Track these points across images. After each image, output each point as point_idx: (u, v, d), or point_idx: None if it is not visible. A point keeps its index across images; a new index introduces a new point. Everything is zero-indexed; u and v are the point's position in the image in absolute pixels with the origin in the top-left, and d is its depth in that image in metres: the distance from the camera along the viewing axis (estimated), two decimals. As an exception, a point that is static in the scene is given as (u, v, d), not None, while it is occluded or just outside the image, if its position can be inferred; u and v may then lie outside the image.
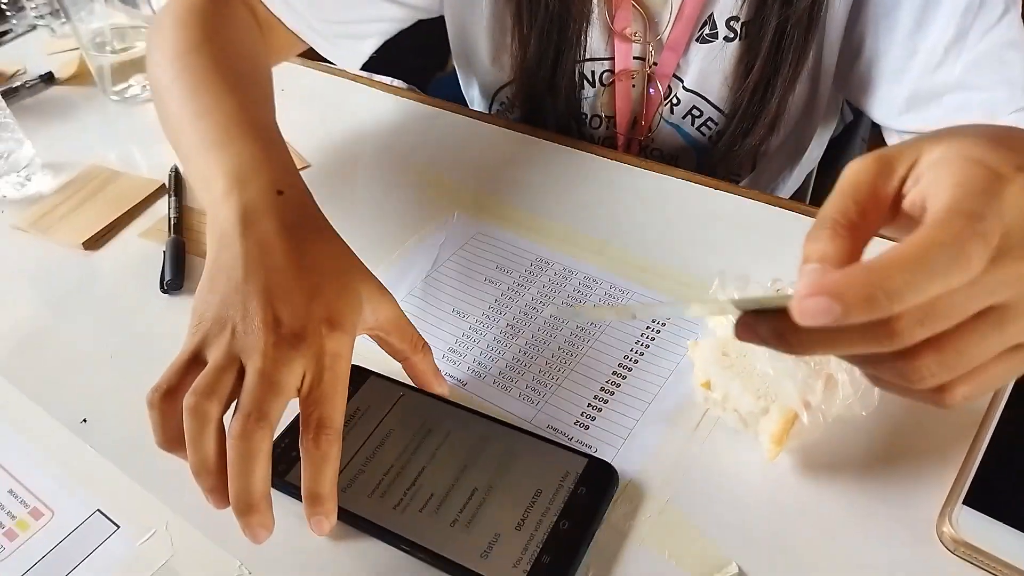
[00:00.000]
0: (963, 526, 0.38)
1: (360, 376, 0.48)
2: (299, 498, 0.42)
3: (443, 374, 0.50)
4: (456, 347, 0.52)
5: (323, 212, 0.47)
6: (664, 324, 0.52)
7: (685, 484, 0.43)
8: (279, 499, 0.43)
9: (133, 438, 0.47)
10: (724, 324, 0.46)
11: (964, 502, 0.39)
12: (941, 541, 0.39)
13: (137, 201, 0.65)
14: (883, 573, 0.38)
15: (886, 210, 0.32)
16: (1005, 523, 0.38)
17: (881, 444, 0.44)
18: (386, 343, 0.45)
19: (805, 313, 0.26)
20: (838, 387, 0.42)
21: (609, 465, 0.43)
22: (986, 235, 0.27)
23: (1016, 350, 0.30)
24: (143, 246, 0.62)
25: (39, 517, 0.44)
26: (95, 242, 0.62)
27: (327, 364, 0.39)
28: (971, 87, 0.58)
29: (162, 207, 0.66)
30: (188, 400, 0.38)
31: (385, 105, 0.76)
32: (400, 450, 0.44)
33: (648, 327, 0.52)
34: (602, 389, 0.48)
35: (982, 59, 0.57)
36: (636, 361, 0.50)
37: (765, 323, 0.30)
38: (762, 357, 0.41)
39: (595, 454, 0.44)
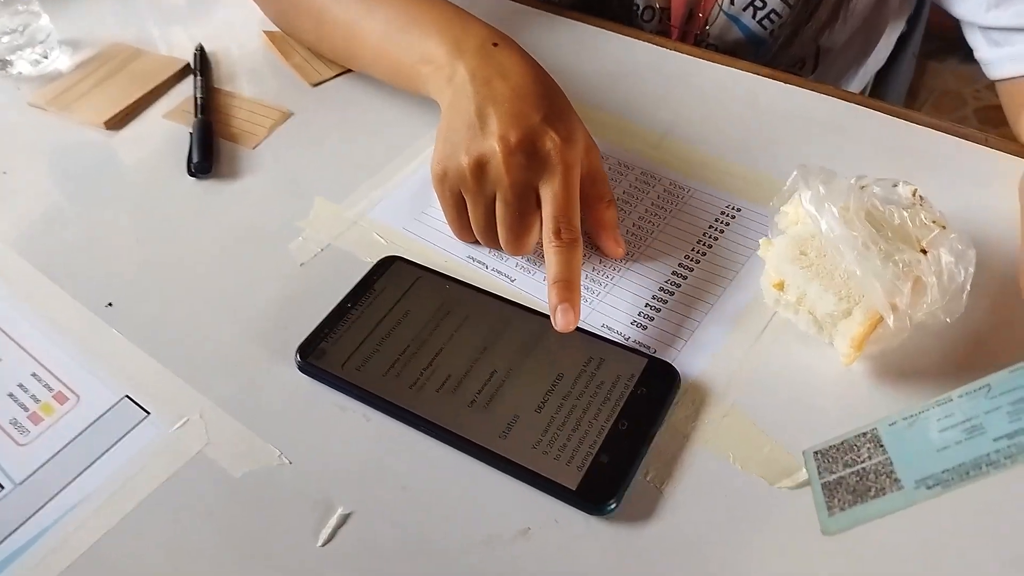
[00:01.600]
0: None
1: (386, 262, 0.46)
2: (337, 387, 0.40)
3: (488, 267, 0.47)
4: (503, 242, 0.48)
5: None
6: (729, 223, 0.48)
7: (751, 388, 0.40)
8: (316, 389, 0.41)
9: (164, 324, 0.45)
10: (803, 221, 0.42)
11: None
12: None
13: (160, 80, 0.61)
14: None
15: None
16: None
17: (963, 353, 0.41)
18: (580, 187, 0.45)
19: None
20: (926, 291, 0.38)
21: (670, 366, 0.40)
22: None
23: None
24: (168, 127, 0.59)
25: (64, 402, 0.41)
26: (118, 122, 0.59)
27: (561, 172, 0.43)
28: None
29: (186, 88, 0.62)
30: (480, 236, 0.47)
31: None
32: (417, 331, 0.42)
33: (714, 222, 0.48)
34: (661, 289, 0.45)
35: None
36: (698, 261, 0.46)
37: None
38: (849, 256, 0.38)
39: (654, 355, 0.41)
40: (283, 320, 0.45)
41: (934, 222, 0.40)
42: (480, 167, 0.44)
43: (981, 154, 0.52)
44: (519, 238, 0.45)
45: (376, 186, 0.53)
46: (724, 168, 0.52)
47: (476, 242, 0.48)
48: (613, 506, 0.35)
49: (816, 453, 0.31)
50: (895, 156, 0.52)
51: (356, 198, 0.52)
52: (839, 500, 0.29)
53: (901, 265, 0.38)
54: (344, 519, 0.36)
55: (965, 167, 0.51)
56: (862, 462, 0.29)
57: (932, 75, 1.80)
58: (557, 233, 0.42)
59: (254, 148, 0.56)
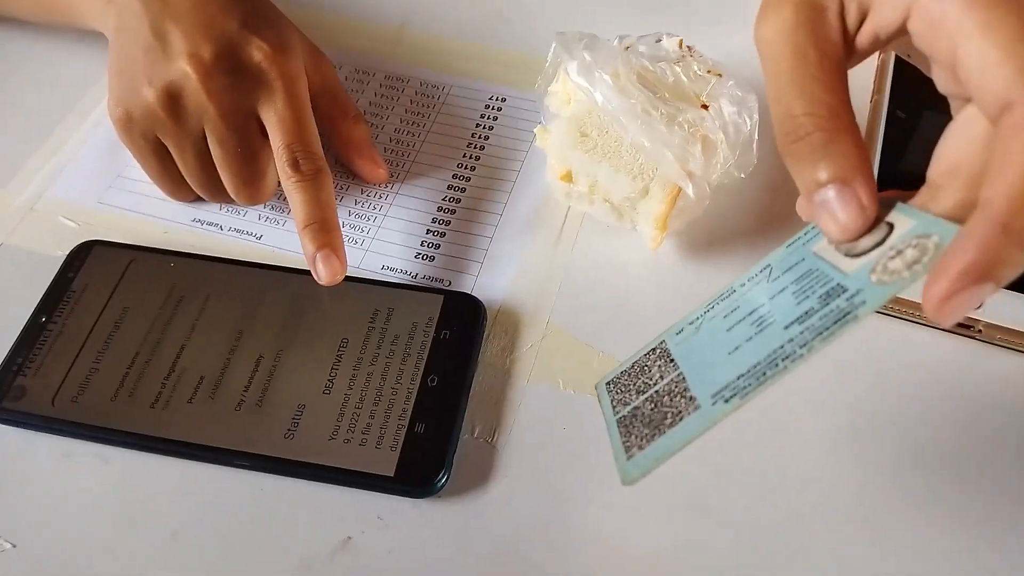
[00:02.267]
0: (874, 276, 0.34)
1: (81, 250, 0.36)
2: (52, 429, 0.30)
3: (224, 228, 0.37)
4: (237, 192, 0.39)
5: None
6: (496, 116, 0.42)
7: (562, 299, 0.35)
8: (25, 439, 0.31)
9: None
10: (576, 99, 0.36)
11: (870, 250, 0.35)
12: (851, 298, 0.35)
13: None
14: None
15: (844, 62, 0.24)
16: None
17: (765, 206, 0.38)
18: (315, 106, 0.36)
19: (956, 311, 0.20)
20: (717, 149, 0.35)
21: (471, 297, 0.34)
22: None
23: None
24: None
25: None
26: None
27: (282, 87, 0.34)
28: None
29: None
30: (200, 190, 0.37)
31: None
32: (145, 331, 0.33)
33: (480, 119, 0.42)
34: (440, 209, 0.38)
35: None
36: (473, 168, 0.40)
37: (984, 254, 0.20)
38: (632, 127, 0.33)
39: (450, 287, 0.35)
40: (-45, 361, 0.33)
41: (709, 72, 0.36)
42: (172, 98, 0.34)
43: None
44: (250, 181, 0.35)
45: (47, 158, 0.40)
46: (477, 54, 0.45)
47: (198, 199, 0.38)
48: (443, 480, 0.29)
49: (608, 384, 0.27)
50: (647, 9, 0.48)
51: (24, 179, 0.39)
52: (636, 437, 0.24)
53: (687, 127, 0.34)
54: (105, 601, 0.28)
55: (722, 6, 0.48)
56: (655, 384, 0.25)
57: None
58: (294, 165, 0.33)
59: None
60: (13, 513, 0.29)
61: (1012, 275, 0.20)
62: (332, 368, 0.32)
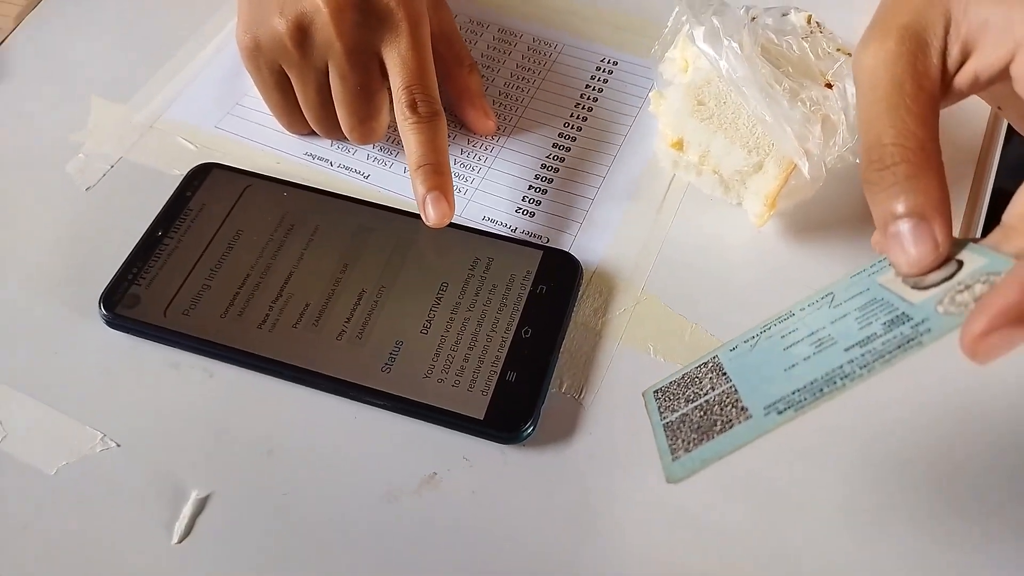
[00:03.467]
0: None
1: (200, 171, 0.37)
2: (162, 339, 0.32)
3: (334, 164, 0.38)
4: (346, 131, 0.40)
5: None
6: (607, 79, 0.42)
7: (660, 266, 0.35)
8: (136, 346, 0.32)
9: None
10: (696, 66, 0.36)
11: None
12: (960, 297, 0.34)
13: None
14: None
15: (939, 99, 0.24)
16: None
17: (874, 197, 0.37)
18: (432, 51, 0.36)
19: (991, 352, 0.19)
20: (837, 130, 0.34)
21: (568, 255, 0.34)
22: None
23: None
24: None
25: None
26: None
27: (407, 29, 0.34)
28: None
29: None
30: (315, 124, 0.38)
31: None
32: (256, 254, 0.34)
33: (590, 80, 0.42)
34: (543, 166, 0.38)
35: None
36: (579, 128, 0.40)
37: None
38: (756, 99, 0.33)
39: (548, 244, 0.35)
40: (75, 264, 0.35)
41: (838, 50, 0.36)
42: (301, 30, 0.34)
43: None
44: (365, 120, 0.36)
45: (170, 76, 0.41)
46: (592, 15, 0.45)
47: (312, 133, 0.39)
48: (529, 430, 0.30)
49: (656, 392, 0.27)
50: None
51: (146, 95, 0.41)
52: (683, 441, 0.24)
53: (809, 104, 0.34)
54: (201, 504, 0.29)
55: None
56: (705, 395, 0.25)
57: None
58: (412, 106, 0.34)
59: (-2, 45, 0.43)
60: (120, 416, 0.31)
61: None
62: (431, 309, 0.32)
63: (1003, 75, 0.24)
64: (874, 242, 0.24)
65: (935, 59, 0.24)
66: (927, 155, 0.23)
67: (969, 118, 0.39)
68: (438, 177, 0.33)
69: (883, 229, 0.23)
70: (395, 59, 0.34)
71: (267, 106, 0.38)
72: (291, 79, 0.36)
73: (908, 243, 0.23)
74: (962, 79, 0.25)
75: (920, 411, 0.31)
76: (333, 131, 0.38)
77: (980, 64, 0.24)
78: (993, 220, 0.33)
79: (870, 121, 0.24)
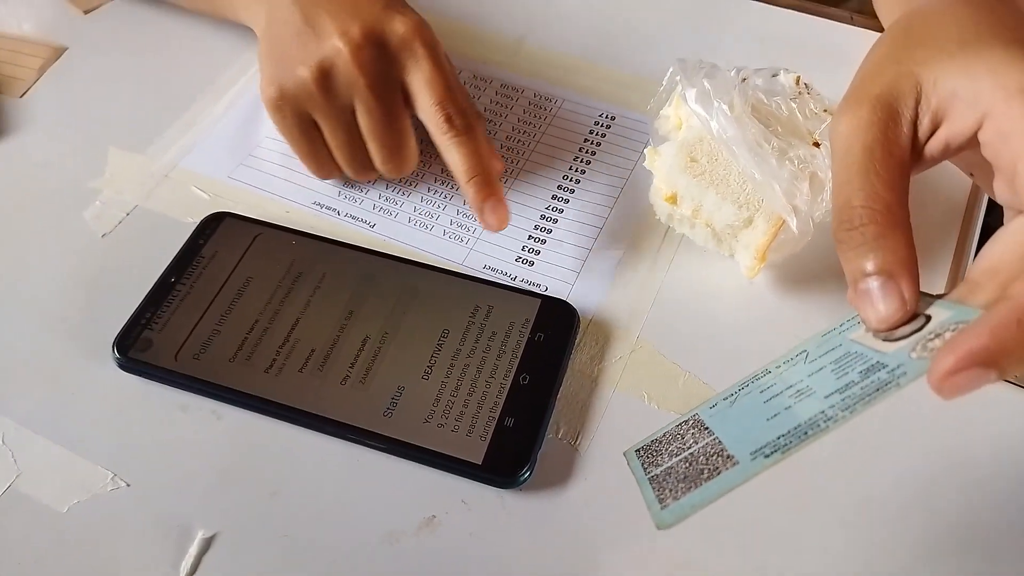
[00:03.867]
0: (970, 329, 0.34)
1: (212, 220, 0.38)
2: (173, 382, 0.33)
3: (341, 214, 0.40)
4: (355, 183, 0.41)
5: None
6: (605, 133, 0.43)
7: (654, 315, 0.36)
8: (147, 389, 0.33)
9: (-74, 334, 0.35)
10: (689, 125, 0.38)
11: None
12: (944, 348, 0.35)
13: None
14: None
15: (908, 165, 0.26)
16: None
17: (862, 250, 0.39)
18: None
19: (957, 389, 0.21)
20: (824, 187, 0.36)
21: (566, 303, 0.36)
22: None
23: None
24: (-103, 79, 0.46)
25: None
26: None
27: (426, 53, 0.37)
28: None
29: (-83, 27, 0.48)
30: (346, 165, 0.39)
31: None
32: (265, 300, 0.35)
33: (588, 135, 0.43)
34: (543, 217, 0.40)
35: None
36: (578, 180, 0.41)
37: (995, 341, 0.21)
38: (745, 158, 0.34)
39: (546, 293, 0.37)
40: (91, 308, 0.36)
41: (825, 111, 0.37)
42: (325, 75, 0.36)
43: (851, 33, 0.49)
44: (396, 150, 0.38)
45: (185, 129, 0.43)
46: (591, 72, 0.46)
47: (340, 176, 0.40)
48: (526, 475, 0.31)
49: (638, 451, 0.28)
50: (767, 45, 0.49)
51: (162, 145, 0.43)
52: (671, 490, 0.25)
53: (797, 162, 0.35)
54: (207, 544, 0.30)
55: (838, 48, 0.48)
56: (688, 448, 0.26)
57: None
58: (449, 121, 0.36)
59: (22, 96, 0.45)
60: (131, 456, 0.32)
61: (1016, 370, 0.21)
62: (432, 355, 0.33)
63: (972, 142, 0.26)
64: (849, 298, 0.26)
65: (906, 128, 0.26)
66: (894, 217, 0.24)
67: (956, 177, 0.41)
68: (489, 186, 0.36)
69: (854, 286, 0.25)
70: (420, 82, 0.36)
71: (296, 154, 0.39)
72: (320, 124, 0.38)
73: (877, 299, 0.24)
74: (933, 146, 0.26)
75: (914, 474, 0.32)
76: (364, 169, 0.39)
77: (950, 132, 0.26)
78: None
79: (841, 184, 0.25)
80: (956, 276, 0.37)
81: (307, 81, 0.36)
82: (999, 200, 0.26)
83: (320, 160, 0.39)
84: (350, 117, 0.37)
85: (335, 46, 0.36)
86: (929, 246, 0.39)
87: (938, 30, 0.28)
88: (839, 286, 0.37)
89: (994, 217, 0.39)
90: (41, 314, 0.36)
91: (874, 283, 0.24)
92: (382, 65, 0.36)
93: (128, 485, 0.31)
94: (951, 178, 0.40)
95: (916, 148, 0.26)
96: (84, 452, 0.32)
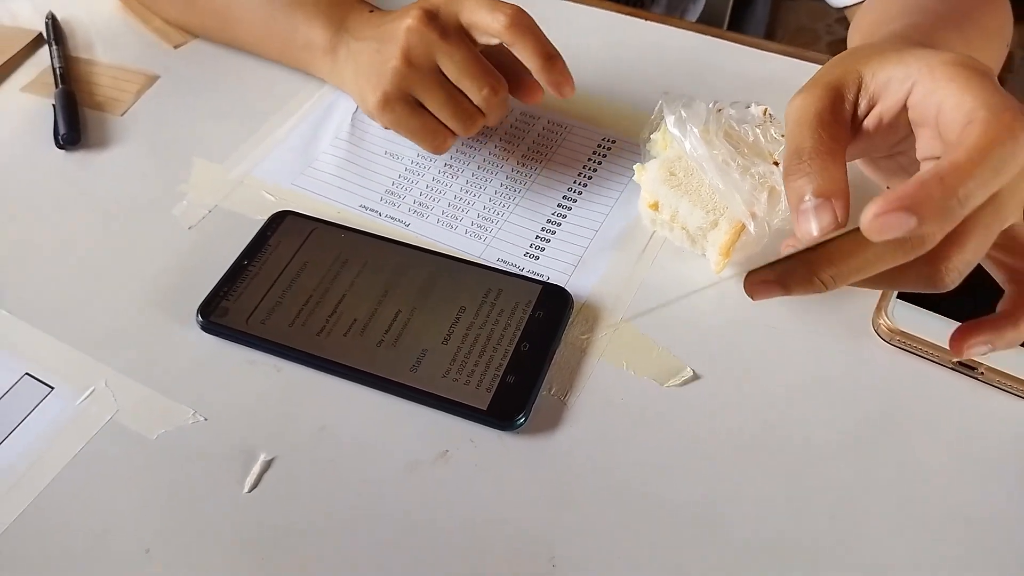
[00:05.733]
0: (898, 317, 0.41)
1: (278, 217, 0.47)
2: (244, 342, 0.41)
3: (382, 215, 0.48)
4: (393, 189, 0.50)
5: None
6: (606, 154, 0.51)
7: (637, 301, 0.44)
8: (223, 347, 0.42)
9: (55, 299, 0.44)
10: (670, 145, 0.45)
11: (898, 296, 0.41)
12: (877, 333, 0.41)
13: (12, 53, 0.58)
14: (826, 364, 0.41)
15: (849, 136, 0.33)
16: (933, 311, 0.41)
17: (817, 253, 0.46)
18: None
19: (884, 228, 0.26)
20: (780, 198, 0.43)
21: (563, 289, 0.43)
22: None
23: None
24: (28, 101, 0.56)
25: (-42, 386, 0.40)
26: (-31, 98, 0.55)
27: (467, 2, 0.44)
28: None
29: (42, 59, 0.59)
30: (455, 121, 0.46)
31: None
32: (317, 281, 0.43)
33: (592, 155, 0.51)
34: (548, 221, 0.48)
35: None
36: (580, 192, 0.49)
37: (786, 272, 0.31)
38: (711, 172, 0.42)
39: (547, 280, 0.44)
40: (179, 284, 0.45)
41: (782, 136, 0.44)
42: (409, 53, 0.44)
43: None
44: (484, 76, 0.45)
45: (257, 144, 0.52)
46: (596, 105, 0.55)
47: (453, 140, 0.47)
48: (522, 420, 0.38)
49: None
50: (753, 84, 0.57)
51: (238, 157, 0.52)
52: None
53: (757, 177, 0.42)
54: (268, 464, 0.38)
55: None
56: None
57: (787, 12, 1.90)
58: (509, 16, 0.43)
59: (122, 115, 0.55)
60: (208, 398, 0.40)
61: (935, 219, 0.26)
62: (451, 326, 0.41)
63: (901, 116, 0.32)
64: (793, 219, 0.31)
65: (848, 107, 0.33)
66: (835, 158, 0.31)
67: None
68: (559, 63, 0.44)
69: (796, 208, 0.30)
70: (472, 8, 0.44)
71: (414, 139, 0.47)
72: (422, 97, 0.45)
73: (814, 216, 0.29)
74: (869, 122, 0.33)
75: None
76: (469, 118, 0.46)
77: (883, 108, 0.33)
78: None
79: (794, 137, 0.32)
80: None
81: (399, 67, 0.44)
82: (922, 157, 0.33)
83: (435, 133, 0.46)
84: (441, 76, 0.45)
85: (407, 26, 0.44)
86: None
87: (880, 45, 0.35)
88: (792, 281, 0.44)
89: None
90: (140, 288, 0.45)
91: (813, 203, 0.29)
92: (442, 21, 0.44)
93: (206, 420, 0.39)
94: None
95: (855, 124, 0.33)
96: (171, 395, 0.40)
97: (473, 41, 0.45)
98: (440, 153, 0.48)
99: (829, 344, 0.42)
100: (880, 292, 0.42)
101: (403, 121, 0.46)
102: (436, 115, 0.46)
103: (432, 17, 0.44)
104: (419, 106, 0.46)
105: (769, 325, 0.42)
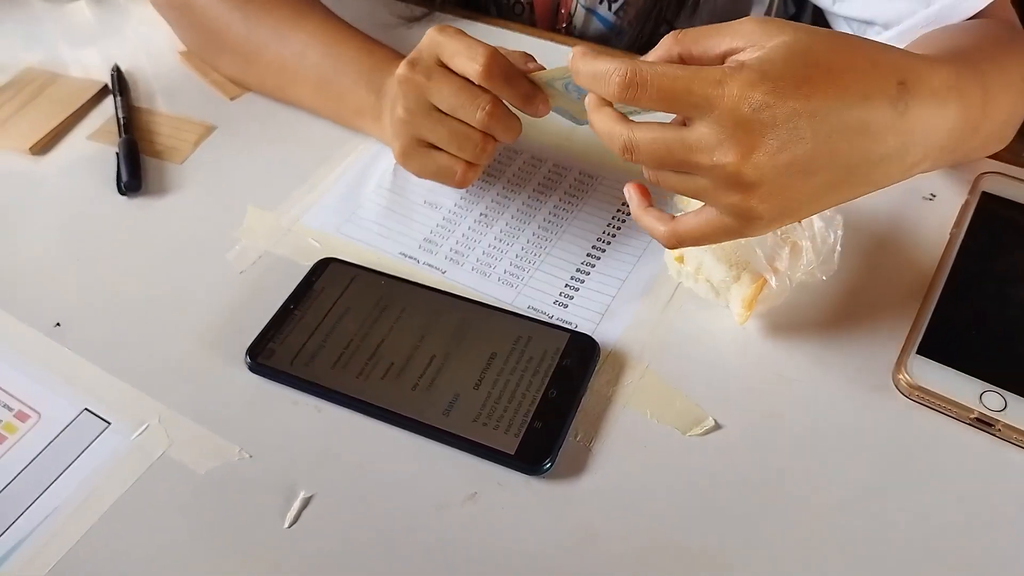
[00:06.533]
0: (917, 373, 0.42)
1: (323, 264, 0.50)
2: (288, 383, 0.43)
3: (420, 262, 0.50)
4: (431, 237, 0.52)
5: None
6: (633, 206, 0.53)
7: (662, 351, 0.45)
8: (268, 387, 0.44)
9: (114, 338, 0.47)
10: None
11: (918, 352, 0.42)
12: (897, 387, 0.42)
13: (80, 103, 0.62)
14: (846, 418, 0.42)
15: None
16: (954, 368, 0.42)
17: (840, 305, 0.47)
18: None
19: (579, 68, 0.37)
20: (802, 253, 0.44)
21: (590, 338, 0.45)
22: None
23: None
24: (93, 148, 0.60)
25: (25, 419, 0.43)
26: (43, 146, 0.60)
27: (438, 32, 0.47)
28: None
29: (107, 108, 0.63)
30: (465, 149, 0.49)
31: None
32: (358, 325, 0.46)
33: (621, 207, 0.53)
34: (578, 270, 0.50)
35: None
36: (608, 242, 0.51)
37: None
38: (734, 228, 0.43)
39: (576, 329, 0.46)
40: (230, 325, 0.48)
41: (806, 194, 0.46)
42: (405, 103, 0.48)
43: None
44: (480, 98, 0.46)
45: (306, 192, 0.56)
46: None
47: (472, 172, 0.49)
48: (549, 465, 0.40)
49: None
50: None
51: (288, 205, 0.55)
52: None
53: (779, 232, 0.44)
54: (307, 501, 0.40)
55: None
56: None
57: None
58: (482, 71, 0.45)
59: (181, 163, 0.58)
60: (254, 435, 0.43)
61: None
62: (482, 372, 0.43)
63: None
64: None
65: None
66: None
67: (925, 247, 0.49)
68: (533, 101, 0.47)
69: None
70: (451, 58, 0.46)
71: (436, 179, 0.50)
72: (428, 137, 0.48)
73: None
74: None
75: None
76: (480, 144, 0.47)
77: None
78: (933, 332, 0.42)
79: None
80: (914, 337, 0.44)
81: (401, 117, 0.48)
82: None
83: (451, 168, 0.49)
84: (439, 113, 0.47)
85: (396, 80, 0.47)
86: (888, 316, 0.46)
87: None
88: (814, 334, 0.46)
89: (953, 293, 0.46)
90: (193, 328, 0.48)
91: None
92: (425, 63, 0.47)
93: (251, 456, 0.42)
94: (922, 241, 0.48)
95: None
96: (220, 431, 0.43)
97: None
98: (464, 186, 0.50)
99: (849, 397, 0.43)
100: (901, 347, 0.43)
101: (422, 165, 0.50)
102: (447, 150, 0.49)
103: (414, 64, 0.47)
104: (433, 148, 0.49)
105: (790, 377, 0.44)
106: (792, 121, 0.34)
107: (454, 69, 0.46)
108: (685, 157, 0.36)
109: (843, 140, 0.35)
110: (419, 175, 0.50)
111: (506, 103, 0.46)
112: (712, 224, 0.38)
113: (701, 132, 0.35)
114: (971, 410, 0.40)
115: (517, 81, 0.46)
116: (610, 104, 0.39)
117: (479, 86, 0.46)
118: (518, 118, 0.47)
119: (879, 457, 0.40)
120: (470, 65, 0.45)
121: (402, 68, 0.47)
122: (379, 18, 0.67)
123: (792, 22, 0.36)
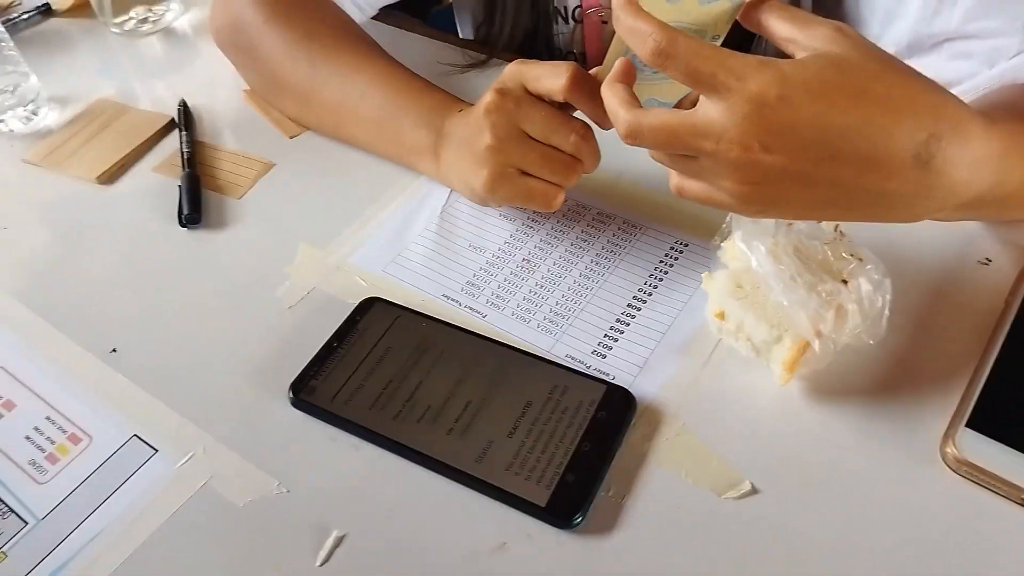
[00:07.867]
0: (965, 447, 0.40)
1: (367, 303, 0.51)
2: (328, 420, 0.44)
3: (462, 305, 0.51)
4: (474, 280, 0.53)
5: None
6: (678, 257, 0.53)
7: (700, 409, 0.45)
8: (309, 423, 0.45)
9: (166, 367, 0.49)
10: (738, 257, 0.47)
11: (967, 424, 0.41)
12: (944, 461, 0.41)
13: (147, 136, 0.65)
14: (889, 491, 0.41)
15: None
16: (1005, 444, 0.40)
17: (887, 371, 0.46)
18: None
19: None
20: (848, 317, 0.43)
21: (627, 391, 0.45)
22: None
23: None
24: (157, 180, 0.63)
25: (77, 442, 0.45)
26: (109, 176, 0.63)
27: (517, 65, 0.50)
28: (972, 35, 0.55)
29: (172, 142, 0.66)
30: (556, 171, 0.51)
31: (382, 38, 0.76)
32: (398, 366, 0.47)
33: (664, 257, 0.53)
34: (618, 320, 0.50)
35: (981, 4, 0.53)
36: (650, 294, 0.51)
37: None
38: (776, 288, 0.43)
39: (613, 381, 0.46)
40: (275, 360, 0.49)
41: (852, 255, 0.45)
42: (495, 132, 0.49)
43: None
44: (572, 124, 0.49)
45: (356, 231, 0.57)
46: (670, 206, 0.57)
47: (561, 196, 0.51)
48: (580, 520, 0.40)
49: None
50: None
51: (338, 244, 0.56)
52: None
53: (824, 295, 0.43)
54: (339, 541, 0.41)
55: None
56: None
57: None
58: (566, 84, 0.47)
59: (240, 198, 0.61)
60: (293, 470, 0.43)
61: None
62: (517, 420, 0.43)
63: None
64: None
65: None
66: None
67: (978, 314, 0.47)
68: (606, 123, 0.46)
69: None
70: (540, 78, 0.48)
71: (527, 204, 0.52)
72: (519, 164, 0.50)
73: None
74: None
75: None
76: (570, 168, 0.50)
77: None
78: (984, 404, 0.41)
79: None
80: (963, 409, 0.43)
81: (492, 145, 0.49)
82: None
83: (544, 192, 0.51)
84: (531, 140, 0.49)
85: (485, 109, 0.49)
86: (937, 385, 0.45)
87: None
88: (860, 399, 0.45)
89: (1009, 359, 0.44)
90: (241, 361, 0.49)
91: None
92: (513, 93, 0.49)
93: (288, 491, 0.43)
94: (978, 304, 0.47)
95: None
96: (261, 464, 0.44)
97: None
98: (554, 209, 0.52)
99: (893, 468, 0.42)
100: (950, 419, 0.42)
101: (512, 192, 0.51)
102: (537, 175, 0.50)
103: (503, 93, 0.49)
104: (521, 174, 0.50)
105: (833, 443, 0.43)
106: (800, 131, 0.35)
107: (539, 90, 0.49)
108: (690, 140, 0.37)
109: (848, 166, 0.35)
110: (508, 202, 0.52)
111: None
112: (707, 191, 0.40)
113: (711, 116, 0.36)
114: (1021, 489, 0.39)
115: (599, 97, 0.46)
116: (626, 82, 0.41)
117: (568, 117, 0.49)
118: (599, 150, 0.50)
119: (922, 534, 0.39)
120: (555, 81, 0.47)
121: (490, 97, 0.49)
122: (435, 67, 0.68)
123: (867, 40, 0.37)
